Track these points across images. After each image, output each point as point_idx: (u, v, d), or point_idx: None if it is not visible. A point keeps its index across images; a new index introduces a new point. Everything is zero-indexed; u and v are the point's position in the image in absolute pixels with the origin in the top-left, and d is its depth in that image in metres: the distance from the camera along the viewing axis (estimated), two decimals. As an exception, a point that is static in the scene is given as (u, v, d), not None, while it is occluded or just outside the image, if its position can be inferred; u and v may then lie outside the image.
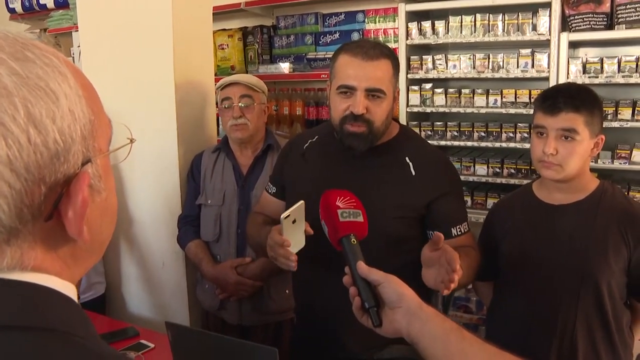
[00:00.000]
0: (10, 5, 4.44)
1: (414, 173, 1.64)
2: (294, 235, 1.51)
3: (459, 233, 1.65)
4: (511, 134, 3.03)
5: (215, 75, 2.82)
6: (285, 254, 1.50)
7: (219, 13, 3.48)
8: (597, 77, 2.75)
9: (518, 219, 1.75)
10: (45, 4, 4.23)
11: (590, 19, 2.75)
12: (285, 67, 3.51)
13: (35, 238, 0.56)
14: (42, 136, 0.53)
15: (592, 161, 2.45)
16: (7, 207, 0.52)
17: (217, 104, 2.46)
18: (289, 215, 1.50)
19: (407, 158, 1.66)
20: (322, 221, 1.18)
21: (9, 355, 0.51)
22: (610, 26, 2.76)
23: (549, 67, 2.85)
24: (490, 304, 1.90)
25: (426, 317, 0.95)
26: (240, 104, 2.26)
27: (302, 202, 1.53)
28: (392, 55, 1.62)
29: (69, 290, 0.59)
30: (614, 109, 2.76)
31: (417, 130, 3.14)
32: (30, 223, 0.55)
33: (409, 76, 3.22)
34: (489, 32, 3.01)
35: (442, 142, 3.16)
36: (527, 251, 1.70)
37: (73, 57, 3.76)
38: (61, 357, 0.53)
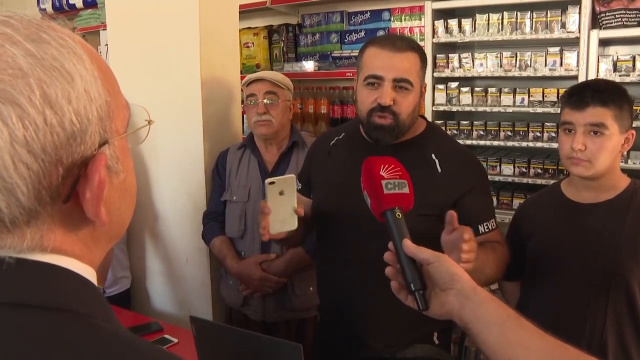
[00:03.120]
0: (42, 6, 4.55)
1: (439, 170, 1.62)
2: (279, 208, 1.50)
3: (486, 230, 1.63)
4: (538, 134, 2.98)
5: (241, 73, 2.83)
6: (261, 220, 1.52)
7: (245, 11, 3.50)
8: (629, 75, 2.69)
9: (546, 218, 1.73)
10: (75, 4, 4.33)
11: (622, 15, 2.69)
12: (310, 65, 3.52)
13: (54, 220, 0.56)
14: (58, 117, 0.53)
15: (622, 162, 2.40)
16: (26, 188, 0.52)
17: (242, 100, 2.47)
18: (274, 182, 1.49)
19: (433, 155, 1.64)
20: (365, 191, 1.11)
21: (26, 334, 0.51)
22: (643, 23, 2.70)
23: (578, 66, 2.80)
24: (516, 304, 1.87)
25: (481, 300, 0.90)
26: (265, 101, 2.26)
27: (292, 175, 1.54)
28: (419, 49, 1.62)
29: (88, 273, 0.60)
30: (646, 108, 2.70)
31: (442, 129, 3.12)
32: (49, 205, 0.55)
33: (435, 75, 3.20)
34: (516, 30, 2.97)
35: (468, 142, 3.13)
36: (555, 250, 1.67)
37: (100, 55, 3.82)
38: (78, 337, 0.53)
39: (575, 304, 1.62)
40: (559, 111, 1.70)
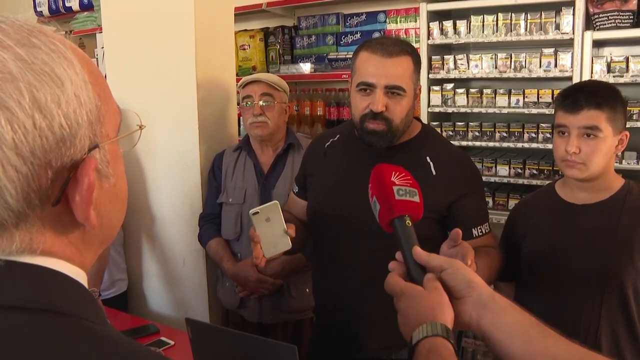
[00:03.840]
0: (38, 9, 4.55)
1: (434, 173, 1.63)
2: (269, 234, 1.52)
3: (480, 234, 1.63)
4: (533, 134, 3.00)
5: (237, 75, 2.84)
6: (253, 248, 1.53)
7: (241, 14, 3.51)
8: (622, 76, 2.71)
9: (541, 218, 1.73)
10: (71, 7, 4.33)
11: (615, 16, 2.70)
12: (306, 67, 3.52)
13: (44, 223, 0.57)
14: (47, 120, 0.53)
15: (616, 162, 2.41)
16: (15, 191, 0.52)
17: (238, 102, 2.47)
18: (257, 212, 1.52)
19: (427, 157, 1.64)
20: (373, 198, 1.04)
21: (18, 336, 0.52)
22: (636, 24, 2.71)
23: (572, 67, 2.81)
24: (511, 304, 1.88)
25: (500, 308, 0.85)
26: (261, 102, 2.27)
27: (275, 202, 1.54)
28: (413, 52, 1.61)
29: (79, 275, 0.60)
30: (640, 108, 2.72)
31: (438, 130, 3.13)
32: (39, 208, 0.55)
33: (431, 76, 3.21)
34: (511, 31, 2.98)
35: (464, 143, 3.14)
36: (550, 251, 1.67)
37: (97, 58, 3.82)
38: (72, 339, 0.53)
39: (569, 304, 1.63)
40: (553, 112, 1.71)
